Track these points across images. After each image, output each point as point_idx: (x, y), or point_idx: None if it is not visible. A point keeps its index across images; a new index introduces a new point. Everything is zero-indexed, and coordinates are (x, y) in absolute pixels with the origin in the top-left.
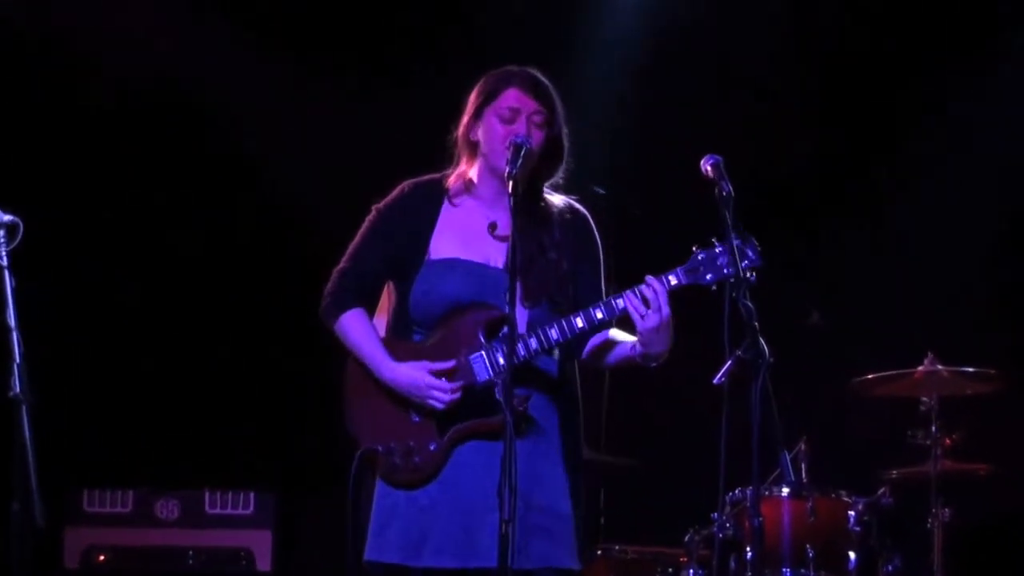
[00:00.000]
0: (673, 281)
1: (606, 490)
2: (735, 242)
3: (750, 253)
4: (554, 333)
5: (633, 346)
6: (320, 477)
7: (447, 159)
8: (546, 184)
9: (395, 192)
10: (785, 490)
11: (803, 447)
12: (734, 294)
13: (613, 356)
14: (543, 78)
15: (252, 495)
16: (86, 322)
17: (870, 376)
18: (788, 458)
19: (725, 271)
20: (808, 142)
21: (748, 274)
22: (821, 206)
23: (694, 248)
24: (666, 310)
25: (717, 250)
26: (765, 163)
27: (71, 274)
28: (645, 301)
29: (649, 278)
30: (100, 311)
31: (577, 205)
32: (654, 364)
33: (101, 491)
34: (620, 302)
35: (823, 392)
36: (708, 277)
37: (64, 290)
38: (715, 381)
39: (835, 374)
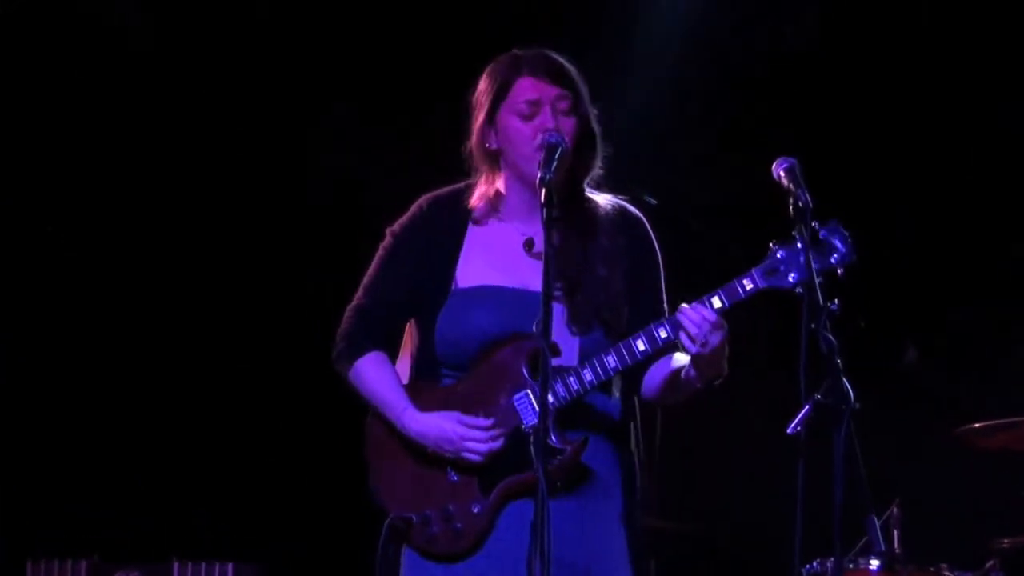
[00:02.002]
0: (717, 304)
1: (658, 561)
2: (821, 234)
3: (839, 245)
4: (611, 360)
5: (687, 370)
6: (311, 545)
7: (464, 170)
8: (587, 180)
9: (412, 211)
10: (874, 562)
11: (895, 510)
12: (813, 324)
13: (681, 390)
14: (557, 56)
15: (230, 567)
16: (29, 361)
17: (977, 425)
18: (878, 524)
19: (814, 267)
20: (899, 141)
21: (839, 271)
22: (918, 221)
23: (771, 244)
24: (713, 340)
25: (799, 245)
26: (847, 168)
27: (17, 311)
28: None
29: (684, 309)
30: (47, 350)
31: (628, 206)
32: (716, 383)
33: (48, 561)
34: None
35: (920, 444)
36: (792, 278)
37: (7, 329)
38: (789, 430)
39: (935, 422)
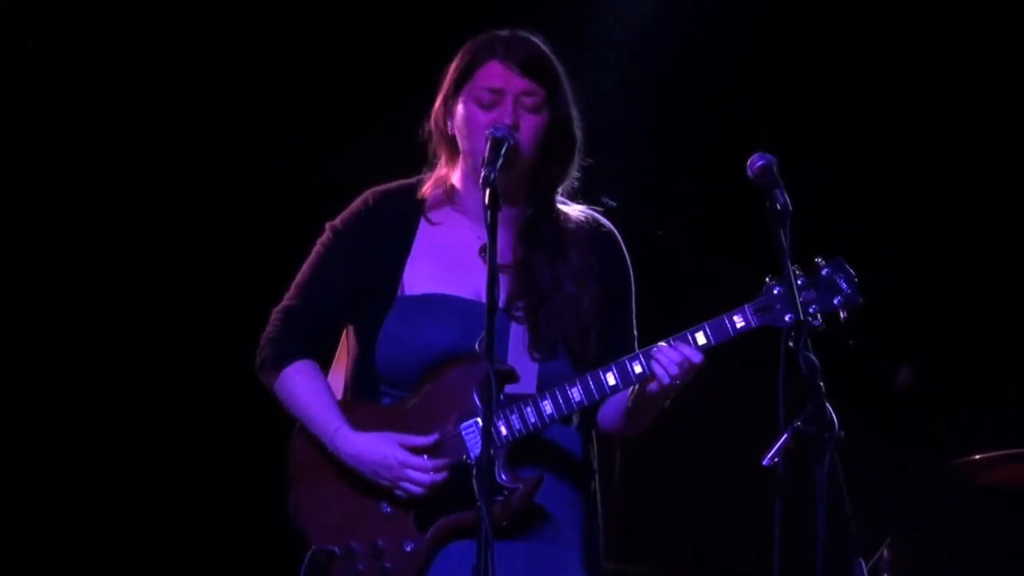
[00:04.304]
0: (701, 340)
1: None
2: (823, 272)
3: (843, 285)
4: (576, 394)
5: (634, 400)
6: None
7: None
8: (559, 189)
9: (356, 205)
10: None
11: (886, 553)
12: (792, 343)
13: (635, 422)
14: (540, 44)
15: None
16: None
17: (978, 457)
18: (865, 567)
19: (813, 309)
20: (893, 139)
21: (841, 314)
22: (913, 223)
23: (767, 279)
24: (687, 380)
25: (799, 282)
26: (835, 165)
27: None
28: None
29: (663, 348)
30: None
31: (602, 219)
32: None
33: None
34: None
35: (914, 478)
36: (788, 318)
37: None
38: (765, 462)
39: (931, 453)
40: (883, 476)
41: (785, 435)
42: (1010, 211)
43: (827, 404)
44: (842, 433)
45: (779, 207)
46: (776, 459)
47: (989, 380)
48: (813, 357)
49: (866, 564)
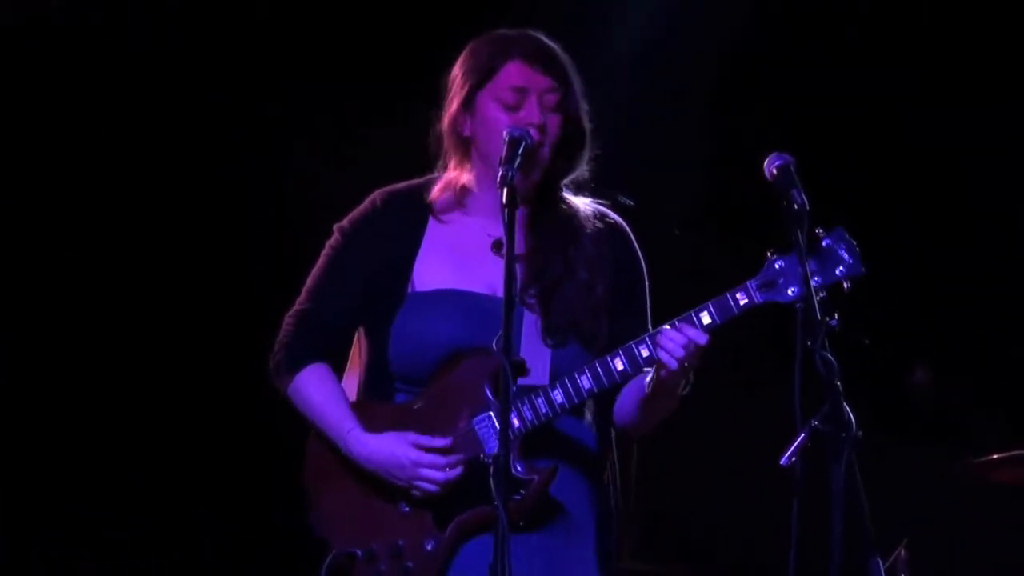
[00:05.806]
0: (706, 320)
1: None
2: (824, 242)
3: (845, 255)
4: (586, 381)
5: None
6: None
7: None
8: (566, 182)
9: (364, 206)
10: None
11: (903, 553)
12: (810, 342)
13: (653, 414)
14: (550, 42)
15: None
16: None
17: (996, 456)
18: (882, 567)
19: (816, 281)
20: (893, 138)
21: (844, 285)
22: (927, 223)
23: (769, 254)
24: (694, 364)
25: (798, 255)
26: (844, 164)
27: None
28: (683, 346)
29: (666, 331)
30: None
31: (610, 212)
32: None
33: None
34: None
35: (931, 478)
36: (791, 292)
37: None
38: (782, 462)
39: (948, 452)
40: (900, 476)
41: (802, 435)
42: (1010, 211)
43: (844, 403)
44: (859, 433)
45: (796, 207)
46: (794, 459)
47: (1009, 379)
48: (830, 356)
49: (883, 564)
